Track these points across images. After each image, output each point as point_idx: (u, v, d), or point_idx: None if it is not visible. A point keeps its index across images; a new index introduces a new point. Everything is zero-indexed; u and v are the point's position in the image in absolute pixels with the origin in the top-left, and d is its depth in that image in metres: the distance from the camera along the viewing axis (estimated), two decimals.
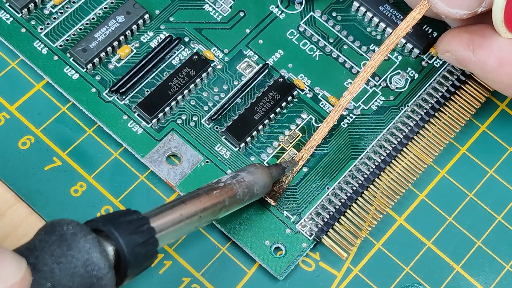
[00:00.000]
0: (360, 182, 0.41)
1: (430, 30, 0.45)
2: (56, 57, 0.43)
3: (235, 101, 0.42)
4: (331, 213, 0.40)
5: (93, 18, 0.44)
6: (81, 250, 0.29)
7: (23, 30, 0.43)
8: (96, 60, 0.42)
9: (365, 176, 0.41)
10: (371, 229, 0.41)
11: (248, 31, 0.45)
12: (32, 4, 0.43)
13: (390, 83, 0.44)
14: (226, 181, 0.37)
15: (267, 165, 0.41)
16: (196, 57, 0.43)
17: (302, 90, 0.43)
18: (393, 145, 0.42)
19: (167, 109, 0.42)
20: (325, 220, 0.40)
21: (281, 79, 0.43)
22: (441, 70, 0.44)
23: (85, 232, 0.29)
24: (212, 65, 0.43)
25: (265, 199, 0.40)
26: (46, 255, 0.29)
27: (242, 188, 0.37)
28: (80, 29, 0.43)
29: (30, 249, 0.30)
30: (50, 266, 0.29)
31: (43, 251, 0.29)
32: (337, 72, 0.44)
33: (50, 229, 0.30)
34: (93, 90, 0.42)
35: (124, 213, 0.32)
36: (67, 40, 0.43)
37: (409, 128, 0.42)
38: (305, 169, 0.41)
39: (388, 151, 0.42)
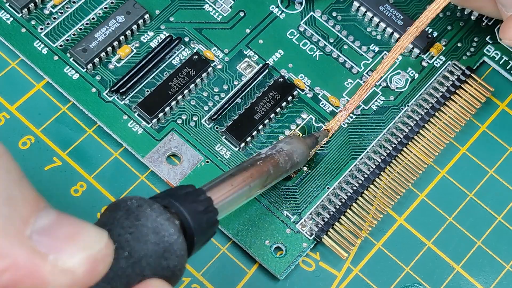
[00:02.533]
0: (360, 182, 0.41)
1: (430, 30, 0.45)
2: (56, 57, 0.43)
3: (235, 101, 0.42)
4: (332, 212, 0.40)
5: (93, 18, 0.44)
6: (149, 219, 0.29)
7: (23, 30, 0.43)
8: (96, 60, 0.42)
9: (366, 176, 0.41)
10: (371, 229, 0.41)
11: (248, 31, 0.45)
12: (32, 4, 0.43)
13: (391, 83, 0.44)
14: (267, 152, 0.38)
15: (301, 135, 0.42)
16: (196, 57, 0.43)
17: (302, 90, 0.43)
18: (393, 145, 0.42)
19: (167, 109, 0.42)
20: (326, 220, 0.40)
21: (281, 79, 0.43)
22: (441, 70, 0.44)
23: (149, 203, 0.30)
24: (212, 65, 0.43)
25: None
26: (117, 227, 0.29)
27: (283, 157, 0.38)
28: (80, 29, 0.43)
29: (100, 225, 0.30)
30: (123, 236, 0.29)
31: (113, 225, 0.29)
32: (337, 72, 0.44)
33: (115, 207, 0.30)
34: (93, 90, 0.42)
35: (179, 188, 0.32)
36: (67, 40, 0.43)
37: (409, 128, 0.42)
38: (305, 169, 0.41)
39: (388, 151, 0.42)
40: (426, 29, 0.45)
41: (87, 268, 0.26)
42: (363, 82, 0.43)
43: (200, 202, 0.32)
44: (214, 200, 0.33)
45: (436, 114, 0.43)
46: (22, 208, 0.27)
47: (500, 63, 0.45)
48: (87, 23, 0.44)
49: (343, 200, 0.40)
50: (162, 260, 0.29)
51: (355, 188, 0.41)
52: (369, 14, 0.45)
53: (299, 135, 0.42)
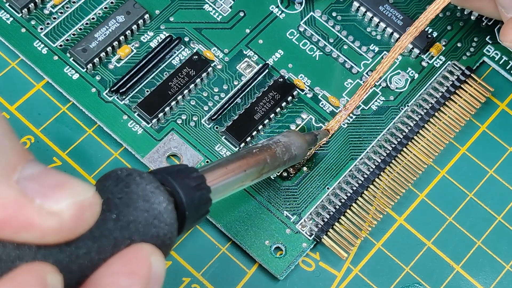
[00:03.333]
0: (360, 182, 0.41)
1: (430, 30, 0.45)
2: (56, 57, 0.43)
3: (235, 101, 0.42)
4: (331, 213, 0.40)
5: (93, 18, 0.44)
6: (139, 186, 0.29)
7: (23, 30, 0.43)
8: (96, 60, 0.42)
9: (365, 176, 0.41)
10: (371, 229, 0.41)
11: (248, 31, 0.45)
12: (32, 4, 0.43)
13: (390, 83, 0.44)
14: (263, 143, 0.38)
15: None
16: (196, 57, 0.43)
17: (302, 90, 0.43)
18: (393, 145, 0.42)
19: (167, 109, 0.42)
20: (325, 220, 0.40)
21: (281, 79, 0.43)
22: (441, 70, 0.44)
23: (139, 172, 0.30)
24: (212, 65, 0.43)
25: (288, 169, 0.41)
26: (106, 193, 0.29)
27: (280, 148, 0.38)
28: (80, 29, 0.43)
29: None
30: (112, 200, 0.29)
31: (102, 191, 0.29)
32: (337, 72, 0.44)
33: (105, 177, 0.30)
34: (93, 90, 0.42)
35: (172, 166, 0.32)
36: (67, 40, 0.43)
37: (409, 128, 0.42)
38: (305, 169, 0.41)
39: (388, 151, 0.42)
40: (426, 29, 0.45)
41: (74, 213, 0.26)
42: (363, 82, 0.43)
43: (192, 179, 0.31)
44: (207, 179, 0.33)
45: (436, 114, 0.43)
46: (10, 155, 0.27)
47: (500, 63, 0.45)
48: (87, 23, 0.44)
49: (343, 200, 0.40)
50: (152, 227, 0.29)
51: (355, 188, 0.41)
52: (369, 14, 0.45)
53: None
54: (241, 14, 0.45)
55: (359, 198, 0.41)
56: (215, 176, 0.34)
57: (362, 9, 0.45)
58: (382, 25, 0.45)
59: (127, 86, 0.42)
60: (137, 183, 0.29)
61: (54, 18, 0.43)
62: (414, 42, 0.44)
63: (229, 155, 0.37)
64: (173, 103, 0.42)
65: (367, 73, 0.44)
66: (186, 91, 0.42)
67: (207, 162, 0.41)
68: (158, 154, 0.41)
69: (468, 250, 0.41)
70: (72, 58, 0.42)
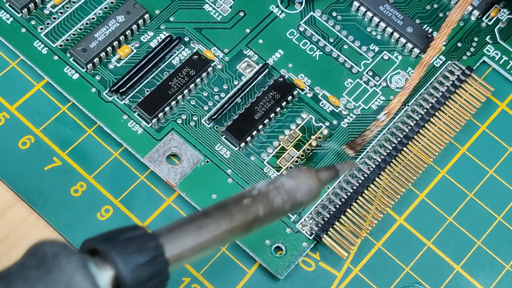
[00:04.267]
0: (360, 181, 0.41)
1: (430, 30, 0.45)
2: (56, 57, 0.43)
3: (235, 101, 0.42)
4: (332, 212, 0.40)
5: (93, 18, 0.44)
6: (62, 273, 0.25)
7: (23, 30, 0.43)
8: (96, 60, 0.42)
9: (366, 175, 0.41)
10: (371, 229, 0.41)
11: (248, 31, 0.45)
12: (32, 4, 0.43)
13: (390, 82, 0.44)
14: (261, 188, 0.31)
15: (315, 169, 0.35)
16: (196, 57, 0.43)
17: (302, 90, 0.43)
18: (394, 145, 0.42)
19: (167, 109, 0.42)
20: (326, 219, 0.40)
21: (281, 79, 0.43)
22: (441, 70, 0.44)
23: (68, 253, 0.26)
24: (212, 65, 0.43)
25: (344, 149, 0.39)
26: (20, 280, 0.25)
27: (281, 195, 0.31)
28: (80, 29, 0.43)
29: (5, 275, 0.26)
30: None
31: (17, 276, 0.25)
32: (337, 72, 0.44)
33: (32, 251, 0.26)
34: (93, 90, 0.42)
35: (126, 229, 0.27)
36: (67, 40, 0.43)
37: (410, 127, 0.42)
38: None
39: (388, 151, 0.42)
40: (426, 29, 0.45)
41: None
42: (419, 61, 0.43)
43: (144, 251, 0.27)
44: (170, 246, 0.28)
45: (436, 113, 0.43)
46: None
47: (500, 63, 0.45)
48: (87, 23, 0.44)
49: (343, 200, 0.40)
50: None
51: (355, 187, 0.41)
52: (369, 14, 0.45)
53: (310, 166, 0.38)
54: (241, 14, 0.45)
55: (360, 198, 0.41)
56: (182, 240, 0.28)
57: (362, 9, 0.45)
58: (382, 25, 0.45)
59: (127, 86, 0.42)
60: (61, 270, 0.25)
61: (54, 18, 0.43)
62: (414, 42, 0.44)
63: (211, 205, 0.30)
64: (173, 103, 0.42)
65: (367, 73, 0.44)
66: (186, 91, 0.42)
67: (207, 162, 0.41)
68: (158, 154, 0.41)
69: (468, 250, 0.41)
70: (72, 58, 0.42)
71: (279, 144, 0.42)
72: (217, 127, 0.42)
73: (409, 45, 0.44)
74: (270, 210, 0.31)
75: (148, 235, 0.27)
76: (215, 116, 0.42)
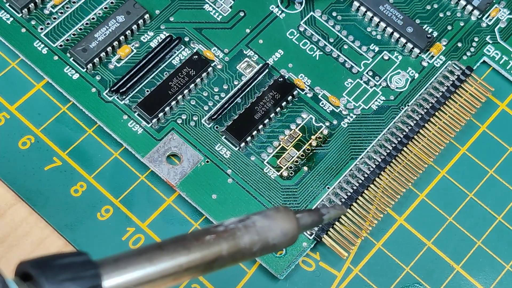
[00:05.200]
0: (360, 181, 0.41)
1: (431, 30, 0.45)
2: (56, 57, 0.43)
3: (235, 101, 0.42)
4: None
5: (93, 18, 0.44)
6: None
7: (23, 30, 0.43)
8: (96, 60, 0.42)
9: (366, 175, 0.41)
10: (371, 229, 0.41)
11: (248, 31, 0.45)
12: (32, 4, 0.43)
13: (391, 82, 0.44)
14: (229, 225, 0.28)
15: (296, 210, 0.32)
16: (196, 57, 0.43)
17: (302, 90, 0.43)
18: (394, 145, 0.42)
19: (167, 109, 0.42)
20: None
21: (281, 79, 0.43)
22: (441, 70, 0.44)
23: None
24: (212, 65, 0.43)
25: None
26: None
27: (250, 235, 0.28)
28: (80, 29, 0.43)
29: None
30: None
31: None
32: (337, 72, 0.44)
33: None
34: (93, 90, 0.42)
35: (65, 255, 0.25)
36: (67, 40, 0.43)
37: (410, 127, 0.42)
38: (305, 168, 0.41)
39: (388, 151, 0.42)
40: (426, 29, 0.45)
41: None
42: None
43: (79, 280, 0.24)
44: (110, 279, 0.25)
45: (436, 113, 0.43)
46: None
47: (500, 63, 0.45)
48: (87, 23, 0.44)
49: (343, 200, 0.40)
50: None
51: (355, 187, 0.41)
52: (369, 14, 0.45)
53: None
54: (241, 14, 0.45)
55: (360, 198, 0.41)
56: (126, 273, 0.26)
57: (362, 9, 0.45)
58: (382, 24, 0.45)
59: (127, 86, 0.42)
60: None
61: (54, 18, 0.43)
62: (415, 42, 0.44)
63: (168, 238, 0.27)
64: (173, 103, 0.42)
65: (367, 73, 0.44)
66: (186, 91, 0.42)
67: (207, 162, 0.41)
68: (158, 154, 0.41)
69: (468, 250, 0.41)
70: (72, 58, 0.42)
71: (279, 144, 0.42)
72: (217, 127, 0.42)
73: (409, 45, 0.44)
74: (235, 250, 0.28)
75: (87, 263, 0.25)
76: (215, 116, 0.42)
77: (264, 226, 0.29)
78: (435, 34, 0.45)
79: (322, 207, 0.32)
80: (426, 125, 0.43)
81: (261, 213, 0.29)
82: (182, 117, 0.42)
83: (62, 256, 0.25)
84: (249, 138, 0.42)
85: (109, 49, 0.43)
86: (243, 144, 0.41)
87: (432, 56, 0.45)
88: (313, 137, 0.42)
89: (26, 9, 0.43)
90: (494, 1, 0.46)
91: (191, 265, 0.27)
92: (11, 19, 0.43)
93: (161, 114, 0.41)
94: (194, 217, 0.40)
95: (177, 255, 0.27)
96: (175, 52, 0.43)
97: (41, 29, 0.43)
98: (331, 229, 0.40)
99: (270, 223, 0.29)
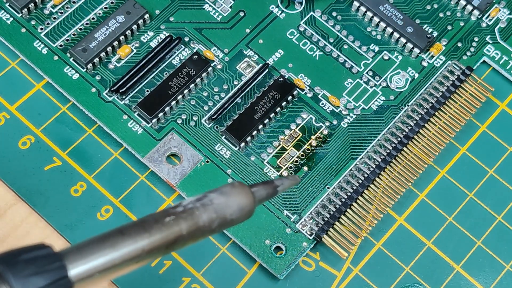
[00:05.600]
0: (360, 181, 0.41)
1: (431, 30, 0.45)
2: (56, 57, 0.43)
3: (235, 101, 0.42)
4: (332, 212, 0.40)
5: (93, 18, 0.44)
6: None
7: (23, 30, 0.43)
8: (96, 60, 0.42)
9: (366, 175, 0.41)
10: (371, 229, 0.41)
11: (248, 31, 0.45)
12: (32, 4, 0.43)
13: (390, 82, 0.44)
14: (187, 205, 0.29)
15: (251, 184, 0.33)
16: (196, 57, 0.43)
17: (302, 90, 0.43)
18: (394, 145, 0.42)
19: (167, 108, 0.42)
20: (326, 219, 0.40)
21: (281, 79, 0.43)
22: (441, 70, 0.44)
23: None
24: (212, 65, 0.43)
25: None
26: None
27: (208, 213, 0.29)
28: (80, 29, 0.43)
29: None
30: None
31: None
32: (337, 72, 0.44)
33: None
34: (93, 90, 0.42)
35: (29, 249, 0.26)
36: (67, 40, 0.43)
37: (409, 127, 0.42)
38: (305, 168, 0.41)
39: (388, 151, 0.42)
40: (426, 29, 0.45)
41: None
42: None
43: (45, 273, 0.25)
44: (77, 267, 0.26)
45: (436, 113, 0.43)
46: None
47: (500, 63, 0.45)
48: (87, 23, 0.44)
49: (343, 200, 0.40)
50: None
51: (355, 187, 0.41)
52: (369, 14, 0.45)
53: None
54: (241, 14, 0.45)
55: (360, 198, 0.41)
56: (91, 260, 0.26)
57: (362, 8, 0.45)
58: (382, 24, 0.45)
59: (127, 86, 0.42)
60: None
61: (54, 18, 0.43)
62: (414, 42, 0.44)
63: (128, 223, 0.28)
64: (173, 102, 0.42)
65: (367, 73, 0.44)
66: (186, 91, 0.42)
67: (207, 162, 0.41)
68: (158, 154, 0.41)
69: (468, 250, 0.41)
70: (72, 58, 0.42)
71: (279, 144, 0.42)
72: (217, 127, 0.42)
73: (409, 45, 0.44)
74: (195, 229, 0.29)
75: (52, 255, 0.26)
76: (215, 116, 0.42)
77: (221, 203, 0.30)
78: (435, 34, 0.45)
79: (276, 179, 0.33)
80: (426, 125, 0.43)
81: (218, 190, 0.30)
82: (182, 117, 0.42)
83: (26, 250, 0.25)
84: (249, 138, 0.42)
85: (109, 49, 0.43)
86: (243, 144, 0.41)
87: (432, 56, 0.45)
88: (313, 137, 0.42)
89: (26, 9, 0.43)
90: (494, 1, 0.47)
91: (153, 247, 0.28)
92: (11, 19, 0.43)
93: (161, 114, 0.41)
94: None
95: (139, 239, 0.27)
96: (175, 52, 0.43)
97: (41, 29, 0.43)
98: (331, 229, 0.40)
99: (227, 200, 0.30)
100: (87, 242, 0.27)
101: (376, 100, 0.44)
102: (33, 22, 0.43)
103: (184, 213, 0.29)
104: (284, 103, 0.43)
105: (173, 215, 0.29)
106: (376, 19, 0.45)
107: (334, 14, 0.45)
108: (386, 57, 0.45)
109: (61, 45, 0.43)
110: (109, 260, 0.27)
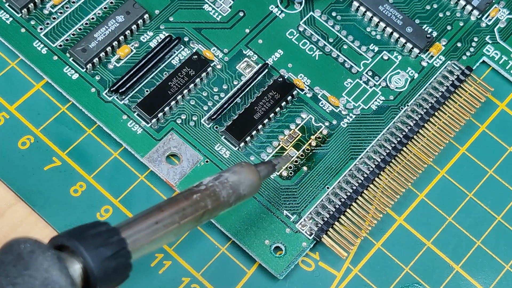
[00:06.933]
0: (360, 181, 0.41)
1: (430, 30, 0.45)
2: (55, 57, 0.43)
3: (235, 101, 0.42)
4: (331, 212, 0.40)
5: (92, 18, 0.44)
6: (39, 268, 0.27)
7: (23, 30, 0.43)
8: (95, 60, 0.42)
9: (365, 175, 0.41)
10: (371, 229, 0.41)
11: (247, 31, 0.45)
12: (32, 4, 0.43)
13: (390, 82, 0.44)
14: (208, 184, 0.34)
15: (254, 164, 0.38)
16: (196, 57, 0.43)
17: (302, 90, 0.43)
18: (393, 145, 0.42)
19: (166, 109, 0.42)
20: (325, 219, 0.40)
21: (281, 79, 0.43)
22: (441, 70, 0.44)
23: (43, 249, 0.27)
24: (211, 65, 0.43)
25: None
26: (1, 276, 0.27)
27: (226, 190, 0.35)
28: (80, 29, 0.43)
29: None
30: (6, 287, 0.27)
31: None
32: (337, 72, 0.44)
33: (7, 249, 0.28)
34: (93, 90, 0.42)
35: (91, 225, 0.29)
36: (66, 40, 0.43)
37: (409, 127, 0.42)
38: (305, 168, 0.41)
39: (388, 151, 0.42)
40: (426, 29, 0.45)
41: None
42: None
43: (109, 245, 0.29)
44: (131, 239, 0.30)
45: (436, 114, 0.43)
46: None
47: (500, 63, 0.45)
48: (86, 23, 0.44)
49: (342, 200, 0.40)
50: None
51: (354, 187, 0.41)
52: (369, 14, 0.45)
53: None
54: (241, 14, 0.45)
55: (359, 198, 0.41)
56: (141, 233, 0.31)
57: (362, 9, 0.45)
58: (382, 25, 0.45)
59: (127, 86, 0.42)
60: (37, 265, 0.27)
61: (54, 18, 0.43)
62: (414, 42, 0.44)
63: (163, 201, 0.33)
64: (173, 103, 0.42)
65: (367, 73, 0.44)
66: (185, 91, 0.42)
67: (207, 162, 0.41)
68: (157, 154, 0.41)
69: (468, 250, 0.41)
70: (71, 58, 0.42)
71: (279, 144, 0.42)
72: (216, 127, 0.42)
73: (409, 45, 0.44)
74: (217, 204, 0.34)
75: (111, 230, 0.30)
76: (214, 116, 0.42)
77: (235, 181, 0.35)
78: (434, 34, 0.45)
79: (273, 158, 0.39)
80: (425, 125, 0.43)
81: (230, 170, 0.35)
82: (182, 117, 0.42)
83: (88, 227, 0.29)
84: (248, 138, 0.42)
85: (108, 49, 0.43)
86: (242, 144, 0.41)
87: (432, 56, 0.45)
88: (312, 137, 0.42)
89: (25, 9, 0.43)
90: (493, 1, 0.47)
91: (187, 221, 0.33)
92: (11, 19, 0.43)
93: (160, 114, 0.41)
94: None
95: (175, 214, 0.32)
96: (174, 52, 0.43)
97: (41, 29, 0.43)
98: (330, 229, 0.40)
99: (239, 177, 0.35)
100: (134, 218, 0.31)
101: (376, 100, 0.44)
102: (32, 22, 0.43)
103: (207, 191, 0.34)
104: (283, 103, 0.43)
105: (199, 193, 0.34)
106: (375, 19, 0.45)
107: (333, 14, 0.45)
108: (385, 57, 0.45)
109: (60, 45, 0.43)
110: (154, 233, 0.31)
